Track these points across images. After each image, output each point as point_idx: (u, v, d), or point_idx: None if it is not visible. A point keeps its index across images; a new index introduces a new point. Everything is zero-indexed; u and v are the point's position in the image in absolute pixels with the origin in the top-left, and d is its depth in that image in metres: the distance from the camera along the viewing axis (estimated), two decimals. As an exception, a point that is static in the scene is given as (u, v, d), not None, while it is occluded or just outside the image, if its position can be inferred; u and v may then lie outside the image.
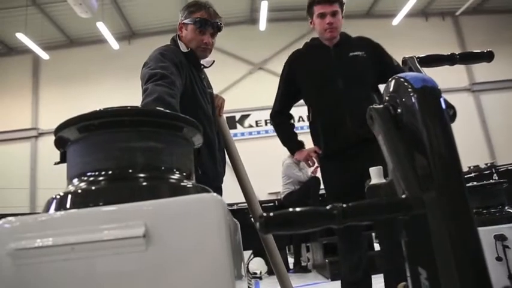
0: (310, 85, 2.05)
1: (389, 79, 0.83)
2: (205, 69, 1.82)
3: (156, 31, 8.97)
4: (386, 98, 0.83)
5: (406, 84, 0.73)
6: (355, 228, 1.93)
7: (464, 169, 5.57)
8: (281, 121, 2.19)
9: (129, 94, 8.13)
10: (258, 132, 8.89)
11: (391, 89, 0.82)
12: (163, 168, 0.73)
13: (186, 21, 1.71)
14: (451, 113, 1.02)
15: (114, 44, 8.59)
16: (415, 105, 0.70)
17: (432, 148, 0.66)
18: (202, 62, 1.76)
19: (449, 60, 1.19)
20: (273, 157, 5.99)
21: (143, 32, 9.67)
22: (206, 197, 0.63)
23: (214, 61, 1.82)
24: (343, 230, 1.56)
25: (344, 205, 0.63)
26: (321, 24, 1.99)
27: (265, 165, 6.84)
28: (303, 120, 9.32)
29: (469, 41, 10.25)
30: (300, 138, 2.20)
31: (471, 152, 8.90)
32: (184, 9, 1.76)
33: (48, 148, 8.89)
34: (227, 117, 8.72)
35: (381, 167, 0.90)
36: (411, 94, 0.71)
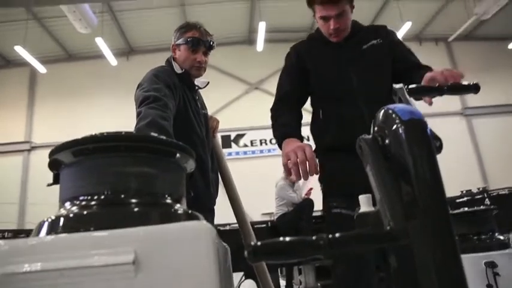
0: (320, 83, 1.75)
1: (378, 110, 0.86)
2: (200, 90, 1.85)
3: (155, 48, 9.08)
4: (375, 128, 0.86)
5: (394, 116, 0.76)
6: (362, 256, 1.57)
7: (457, 193, 5.60)
8: (286, 107, 1.71)
9: (125, 111, 8.16)
10: (253, 152, 8.90)
11: (379, 120, 0.85)
12: (155, 193, 0.74)
13: (178, 42, 1.76)
14: (437, 144, 1.06)
15: (112, 60, 8.66)
16: (402, 137, 0.72)
17: (418, 179, 0.68)
18: (196, 83, 1.79)
19: (438, 91, 1.24)
20: (267, 177, 6.00)
21: (142, 48, 9.77)
22: (196, 224, 0.64)
23: (208, 82, 1.85)
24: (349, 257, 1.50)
25: (330, 236, 0.65)
26: (324, 28, 1.69)
27: (260, 185, 6.83)
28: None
29: (461, 66, 10.46)
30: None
31: (464, 176, 8.98)
32: (176, 31, 1.81)
33: (40, 162, 8.82)
34: (222, 136, 8.77)
35: (369, 195, 0.92)
36: (399, 126, 0.73)
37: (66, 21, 7.29)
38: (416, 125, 0.73)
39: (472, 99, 10.20)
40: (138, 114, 1.39)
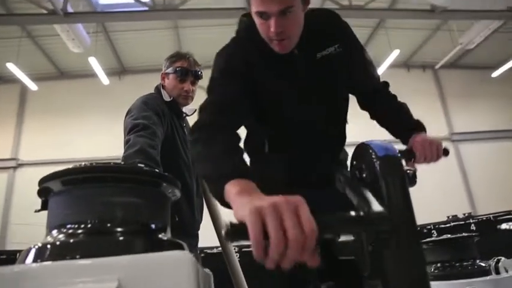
0: (269, 106, 1.26)
1: (357, 145, 0.91)
2: (187, 117, 1.90)
3: (147, 69, 9.16)
4: (354, 162, 0.92)
5: (370, 151, 0.82)
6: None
7: (443, 218, 5.67)
8: (227, 126, 1.05)
9: (115, 130, 8.17)
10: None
11: (357, 155, 0.91)
12: (140, 222, 0.77)
13: (167, 70, 1.82)
14: (412, 176, 1.12)
15: (104, 79, 8.71)
16: (378, 172, 0.78)
17: (392, 212, 0.73)
18: (184, 110, 1.85)
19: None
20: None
21: (134, 68, 9.86)
22: (178, 254, 0.67)
23: (196, 109, 1.90)
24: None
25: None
26: (263, 29, 1.14)
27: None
28: None
29: (448, 92, 10.78)
30: None
31: (451, 200, 9.10)
32: (166, 59, 1.88)
33: (25, 180, 8.68)
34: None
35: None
36: (375, 161, 0.79)
37: (60, 39, 7.36)
38: (391, 160, 0.79)
39: (458, 125, 10.46)
40: (127, 142, 1.43)
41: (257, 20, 1.14)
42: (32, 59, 8.68)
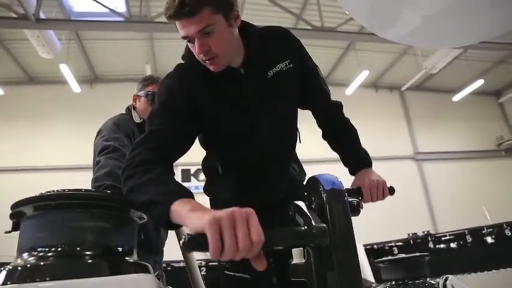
0: (217, 131, 1.25)
1: (308, 178, 1.01)
2: None
3: (119, 78, 9.09)
4: (305, 193, 1.02)
5: (319, 184, 0.92)
6: None
7: (404, 236, 5.92)
8: (150, 168, 1.00)
9: (83, 138, 8.00)
10: (212, 187, 8.92)
11: (308, 187, 1.01)
12: (108, 246, 0.83)
13: (139, 93, 1.88)
14: (355, 204, 1.23)
15: (75, 87, 8.55)
16: (324, 201, 0.88)
17: (333, 228, 0.83)
18: None
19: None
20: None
21: (106, 77, 9.74)
22: (142, 277, 0.74)
23: None
24: None
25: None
26: (194, 52, 1.13)
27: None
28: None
29: (413, 114, 11.30)
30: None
31: (413, 218, 9.47)
32: (139, 82, 1.94)
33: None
34: (183, 170, 8.76)
35: (302, 248, 1.06)
36: (322, 193, 0.90)
37: (29, 44, 7.20)
38: (336, 192, 0.89)
39: (422, 145, 10.95)
40: (97, 163, 1.47)
41: (189, 45, 1.16)
42: (0, 62, 8.43)
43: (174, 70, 1.24)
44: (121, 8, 7.13)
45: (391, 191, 1.35)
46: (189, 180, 8.84)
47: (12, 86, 9.09)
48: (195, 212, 0.79)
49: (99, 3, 6.25)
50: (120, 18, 6.50)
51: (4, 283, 0.75)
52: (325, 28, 7.01)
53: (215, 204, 1.34)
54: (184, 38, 1.11)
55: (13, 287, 0.72)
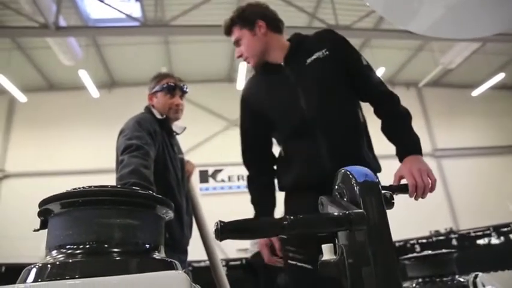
0: (274, 117, 1.57)
1: (338, 171, 0.98)
2: (177, 136, 1.97)
3: (137, 82, 9.21)
4: (336, 187, 0.99)
5: (351, 177, 0.89)
6: None
7: (426, 233, 5.79)
8: (251, 178, 1.64)
9: (102, 143, 8.14)
10: (230, 187, 8.93)
11: (339, 180, 0.98)
12: (135, 243, 0.82)
13: (155, 89, 1.90)
14: (388, 196, 1.20)
15: (94, 92, 8.70)
16: (358, 197, 0.85)
17: (370, 236, 0.80)
18: (174, 128, 1.91)
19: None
20: (244, 213, 6.02)
21: (124, 82, 9.89)
22: (172, 274, 0.73)
23: (185, 128, 1.98)
24: None
25: (292, 217, 0.74)
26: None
27: (235, 221, 6.82)
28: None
29: (431, 110, 11.08)
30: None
31: (434, 215, 9.26)
32: (152, 81, 1.96)
33: (11, 192, 8.55)
34: (200, 171, 8.80)
35: (332, 244, 1.03)
36: (355, 186, 0.87)
37: (51, 52, 7.37)
38: (370, 186, 0.86)
39: (441, 142, 10.73)
40: (121, 162, 1.47)
41: None
42: (22, 70, 8.66)
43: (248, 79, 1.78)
44: (136, 13, 7.23)
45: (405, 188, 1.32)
46: (207, 181, 8.88)
47: (34, 93, 9.33)
48: None
49: (115, 9, 6.35)
50: (136, 23, 6.59)
51: (35, 280, 0.76)
52: (339, 26, 6.95)
53: (281, 185, 1.60)
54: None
55: (43, 284, 0.72)
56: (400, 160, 1.41)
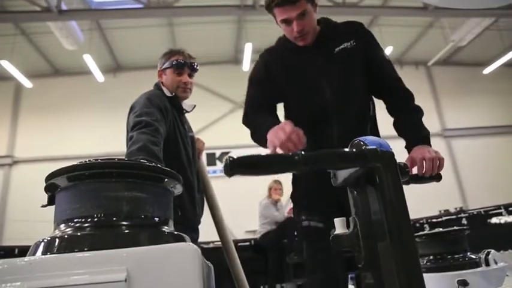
0: (292, 97, 1.61)
1: (351, 142, 0.95)
2: (187, 113, 1.94)
3: (142, 66, 9.15)
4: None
5: (363, 146, 0.85)
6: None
7: (436, 213, 5.76)
8: (261, 112, 1.55)
9: (110, 127, 8.18)
10: (238, 170, 8.94)
11: (351, 149, 0.94)
12: (145, 216, 0.81)
13: (164, 66, 1.86)
14: (402, 165, 1.17)
15: (99, 76, 8.68)
16: (372, 165, 0.81)
17: (385, 203, 0.77)
18: (184, 106, 1.88)
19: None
20: (251, 195, 6.04)
21: (129, 66, 9.83)
22: (182, 246, 0.71)
23: (195, 106, 1.95)
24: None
25: (304, 152, 0.72)
26: (288, 32, 1.53)
27: (244, 203, 6.86)
28: None
29: (440, 90, 10.88)
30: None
31: (443, 195, 9.19)
32: (161, 57, 1.92)
33: (21, 177, 8.65)
34: (208, 154, 8.80)
35: (344, 218, 1.01)
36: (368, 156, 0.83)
37: (54, 37, 7.32)
38: (385, 155, 0.82)
39: (451, 121, 10.57)
40: (130, 138, 1.46)
41: (283, 27, 1.53)
42: (27, 56, 8.63)
43: (263, 53, 1.69)
44: (139, -6, 7.11)
45: (438, 177, 1.37)
46: (215, 164, 8.89)
47: (39, 78, 9.31)
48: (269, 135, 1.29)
49: (117, -10, 6.25)
50: (140, 5, 6.49)
51: (44, 253, 0.74)
52: (346, 4, 6.78)
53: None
54: (284, 20, 1.48)
55: (52, 257, 0.71)
56: (409, 151, 1.47)
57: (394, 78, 1.61)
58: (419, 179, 1.40)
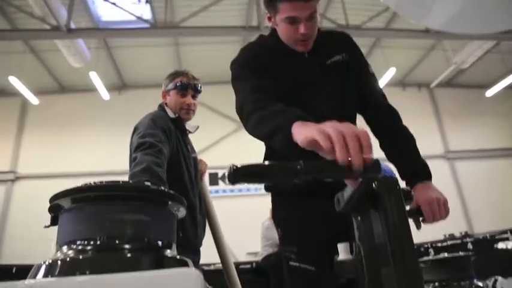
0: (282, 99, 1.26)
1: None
2: (190, 134, 1.95)
3: (147, 84, 9.26)
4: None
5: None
6: None
7: (440, 236, 5.67)
8: (268, 103, 1.16)
9: (113, 144, 8.21)
10: (240, 190, 8.88)
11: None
12: (148, 240, 0.80)
13: (168, 87, 1.89)
14: (406, 191, 1.15)
15: (104, 94, 8.77)
16: (376, 192, 0.81)
17: (388, 228, 0.76)
18: (187, 127, 1.90)
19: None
20: (254, 216, 6.00)
21: (134, 84, 9.96)
22: (185, 271, 0.70)
23: (198, 127, 1.96)
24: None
25: (305, 162, 0.71)
26: (290, 33, 1.31)
27: (246, 224, 6.80)
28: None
29: (443, 111, 10.91)
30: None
31: (447, 218, 9.05)
32: (166, 78, 1.95)
33: (23, 194, 8.64)
34: (210, 174, 8.78)
35: (348, 243, 1.00)
36: (372, 182, 0.83)
37: (61, 54, 7.45)
38: (388, 181, 0.82)
39: (454, 143, 10.55)
40: (134, 159, 1.46)
41: (284, 26, 1.31)
42: (34, 73, 8.77)
43: (248, 45, 1.44)
44: (147, 15, 7.27)
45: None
46: (217, 184, 8.87)
47: (45, 95, 9.43)
48: (307, 126, 0.85)
49: (126, 11, 6.39)
50: (146, 25, 6.62)
51: (45, 276, 0.74)
52: (350, 26, 6.89)
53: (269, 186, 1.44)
54: (290, 18, 1.27)
55: (53, 280, 0.70)
56: (409, 184, 1.32)
57: (380, 94, 1.50)
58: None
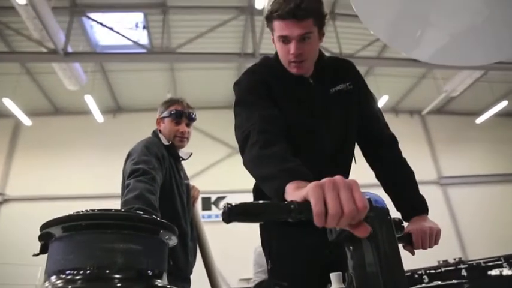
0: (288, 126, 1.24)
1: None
2: (183, 161, 1.96)
3: (141, 108, 9.32)
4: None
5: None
6: None
7: (434, 263, 5.62)
8: (277, 132, 1.11)
9: (105, 167, 8.15)
10: (233, 215, 8.80)
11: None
12: (138, 269, 0.79)
13: (163, 115, 1.92)
14: (397, 221, 1.17)
15: (98, 117, 8.78)
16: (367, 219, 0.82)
17: (380, 259, 0.77)
18: (181, 154, 1.91)
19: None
20: (246, 242, 5.91)
21: (129, 107, 10.00)
22: (176, 303, 0.69)
23: (191, 153, 1.98)
24: None
25: (298, 202, 0.71)
26: (283, 52, 1.28)
27: (238, 250, 6.71)
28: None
29: (435, 137, 11.06)
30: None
31: (441, 244, 8.88)
32: (161, 105, 1.98)
33: (11, 216, 8.47)
34: (203, 198, 8.71)
35: (340, 272, 1.00)
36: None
37: (56, 77, 7.50)
38: (379, 212, 0.84)
39: (447, 169, 10.64)
40: (127, 186, 1.46)
41: (278, 45, 1.28)
42: (29, 94, 8.80)
43: (251, 70, 1.39)
44: (144, 40, 7.40)
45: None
46: (210, 209, 8.77)
47: (39, 116, 9.42)
48: (300, 188, 0.79)
49: (123, 36, 6.50)
50: (143, 50, 6.73)
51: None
52: (343, 54, 7.06)
53: None
54: (282, 37, 1.24)
55: (41, 312, 0.69)
56: (407, 218, 1.32)
57: (385, 125, 1.50)
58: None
